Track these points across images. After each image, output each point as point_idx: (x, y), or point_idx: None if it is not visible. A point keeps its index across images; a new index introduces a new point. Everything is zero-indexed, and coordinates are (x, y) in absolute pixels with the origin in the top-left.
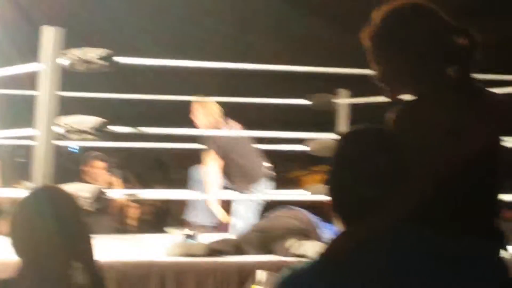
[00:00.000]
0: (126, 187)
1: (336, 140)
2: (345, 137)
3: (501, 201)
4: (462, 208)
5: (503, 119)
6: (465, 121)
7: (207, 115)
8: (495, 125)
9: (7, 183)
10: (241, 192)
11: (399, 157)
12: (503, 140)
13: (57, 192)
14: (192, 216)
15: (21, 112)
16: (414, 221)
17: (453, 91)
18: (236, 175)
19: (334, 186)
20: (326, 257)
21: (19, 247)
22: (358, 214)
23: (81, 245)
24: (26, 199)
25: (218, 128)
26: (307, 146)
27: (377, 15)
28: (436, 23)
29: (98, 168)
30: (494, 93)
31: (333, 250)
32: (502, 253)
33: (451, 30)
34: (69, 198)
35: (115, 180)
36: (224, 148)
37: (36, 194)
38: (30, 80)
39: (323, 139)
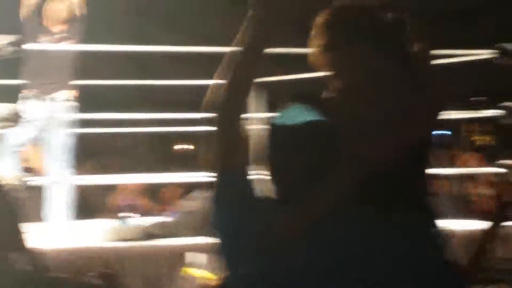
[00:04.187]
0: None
1: (268, 126)
2: (277, 125)
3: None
4: (395, 186)
5: (438, 94)
6: (403, 100)
7: None
8: (433, 101)
9: None
10: None
11: (330, 145)
12: (437, 114)
13: None
14: None
15: None
16: (351, 203)
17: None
18: None
19: (272, 173)
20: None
21: None
22: (296, 197)
23: (15, 233)
24: None
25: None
26: None
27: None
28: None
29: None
30: (431, 67)
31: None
32: (435, 227)
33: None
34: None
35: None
36: None
37: None
38: None
39: None
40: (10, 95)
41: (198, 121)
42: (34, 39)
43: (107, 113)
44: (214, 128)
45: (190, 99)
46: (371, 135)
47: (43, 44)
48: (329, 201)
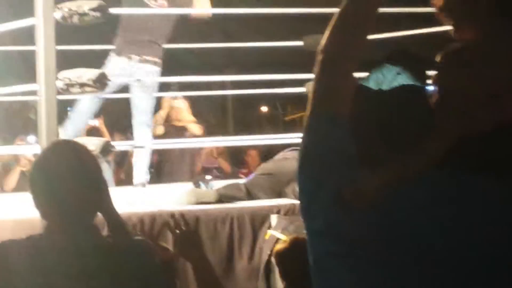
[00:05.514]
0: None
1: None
2: (365, 89)
3: None
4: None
5: None
6: None
7: None
8: None
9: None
10: None
11: (423, 115)
12: None
13: (76, 145)
14: None
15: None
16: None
17: None
18: None
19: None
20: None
21: (43, 203)
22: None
23: (103, 196)
24: (47, 155)
25: None
26: (303, 42)
27: None
28: None
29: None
30: None
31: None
32: None
33: None
34: (87, 151)
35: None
36: None
37: (58, 149)
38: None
39: (319, 35)
40: (96, 60)
41: (286, 83)
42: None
43: (191, 76)
44: (316, 69)
45: (276, 61)
46: (479, 105)
47: (125, 9)
48: (418, 166)
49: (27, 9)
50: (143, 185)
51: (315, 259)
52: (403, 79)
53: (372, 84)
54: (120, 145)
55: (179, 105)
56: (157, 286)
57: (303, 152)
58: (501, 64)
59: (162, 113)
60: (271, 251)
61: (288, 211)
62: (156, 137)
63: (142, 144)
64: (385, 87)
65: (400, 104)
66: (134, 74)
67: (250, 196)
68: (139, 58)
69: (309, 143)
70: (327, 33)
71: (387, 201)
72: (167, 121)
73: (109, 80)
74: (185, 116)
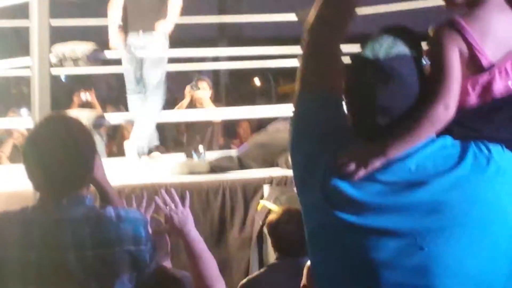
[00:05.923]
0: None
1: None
2: (363, 57)
3: None
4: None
5: None
6: None
7: None
8: None
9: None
10: None
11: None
12: None
13: (69, 119)
14: None
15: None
16: None
17: None
18: None
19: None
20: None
21: (36, 176)
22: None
23: (95, 168)
24: (40, 128)
25: None
26: (296, 16)
27: None
28: None
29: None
30: None
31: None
32: None
33: None
34: (80, 124)
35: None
36: None
37: (50, 123)
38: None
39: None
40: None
41: (278, 57)
42: None
43: (185, 49)
44: (304, 49)
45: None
46: None
47: None
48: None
49: None
50: (139, 156)
51: (310, 233)
52: (400, 47)
53: (368, 54)
54: (112, 117)
55: (200, 96)
56: (148, 257)
57: (294, 128)
58: None
59: (185, 102)
60: (263, 221)
61: (280, 182)
62: None
63: (138, 115)
64: (381, 55)
65: (396, 72)
66: (144, 48)
67: (243, 167)
68: (148, 31)
69: (300, 119)
70: (313, 12)
71: (386, 171)
72: (190, 106)
73: (103, 54)
74: (207, 104)
